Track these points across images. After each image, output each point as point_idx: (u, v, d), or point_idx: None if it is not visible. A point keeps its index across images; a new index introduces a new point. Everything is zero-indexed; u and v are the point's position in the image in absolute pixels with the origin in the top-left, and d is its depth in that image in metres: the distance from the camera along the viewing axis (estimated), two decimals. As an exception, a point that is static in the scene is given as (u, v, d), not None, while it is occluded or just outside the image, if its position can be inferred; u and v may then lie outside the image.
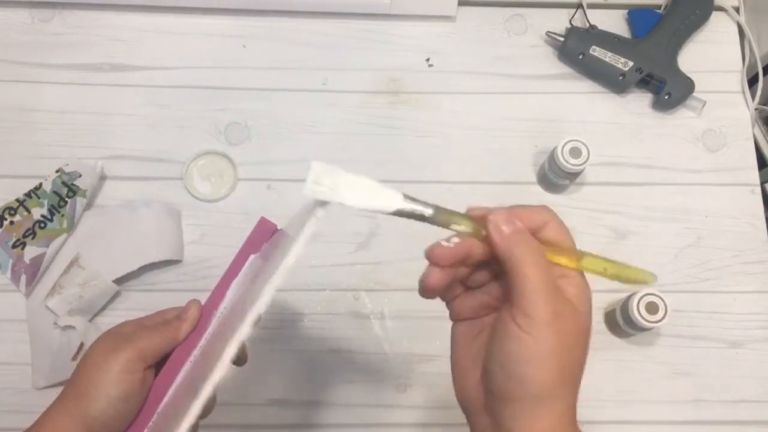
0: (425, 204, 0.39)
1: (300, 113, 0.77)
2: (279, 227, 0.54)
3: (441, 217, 0.39)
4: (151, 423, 0.49)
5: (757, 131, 0.81)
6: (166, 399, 0.50)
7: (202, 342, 0.51)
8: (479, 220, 0.38)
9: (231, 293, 0.52)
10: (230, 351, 0.38)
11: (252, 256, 0.53)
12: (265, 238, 0.54)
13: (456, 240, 0.38)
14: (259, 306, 0.38)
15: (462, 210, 0.39)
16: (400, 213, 0.38)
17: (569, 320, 0.35)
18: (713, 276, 0.73)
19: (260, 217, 0.55)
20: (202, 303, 0.53)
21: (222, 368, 0.38)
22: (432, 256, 0.39)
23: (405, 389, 0.68)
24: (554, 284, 0.35)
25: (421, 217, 0.38)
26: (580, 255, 0.37)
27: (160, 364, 0.51)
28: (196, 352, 0.51)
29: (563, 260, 0.37)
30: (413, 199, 0.38)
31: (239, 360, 0.53)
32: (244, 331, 0.38)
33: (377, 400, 0.68)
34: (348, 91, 0.78)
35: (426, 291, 0.40)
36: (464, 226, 0.38)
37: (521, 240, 0.36)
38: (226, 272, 0.53)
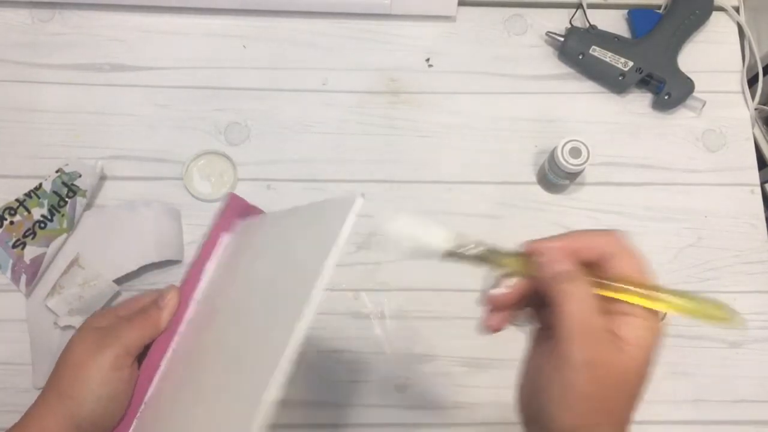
0: (476, 243, 0.39)
1: (300, 113, 0.77)
2: (252, 204, 0.53)
3: (492, 259, 0.39)
4: (138, 413, 0.49)
5: (757, 131, 0.81)
6: (151, 390, 0.49)
7: (182, 328, 0.50)
8: (530, 256, 0.37)
9: (207, 276, 0.52)
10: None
11: (225, 236, 0.52)
12: (237, 215, 0.53)
13: (511, 283, 0.38)
14: (311, 310, 0.39)
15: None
16: (451, 255, 0.38)
17: (608, 367, 0.34)
18: (713, 276, 0.73)
19: (229, 193, 0.54)
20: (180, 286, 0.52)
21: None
22: (491, 303, 0.39)
23: (405, 389, 0.68)
24: (595, 328, 0.34)
25: (472, 258, 0.38)
26: (646, 292, 0.35)
27: (141, 354, 0.50)
28: (176, 338, 0.50)
29: (628, 297, 0.35)
30: (462, 243, 0.38)
31: None
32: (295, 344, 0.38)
33: (377, 400, 0.68)
34: (348, 91, 0.78)
35: (490, 332, 0.40)
36: (514, 267, 0.38)
37: (565, 278, 0.35)
38: (199, 254, 0.52)
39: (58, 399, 0.47)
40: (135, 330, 0.49)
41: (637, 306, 0.35)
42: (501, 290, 0.39)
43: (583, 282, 0.35)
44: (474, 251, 0.38)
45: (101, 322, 0.50)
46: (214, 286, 0.51)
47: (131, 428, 0.49)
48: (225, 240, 0.52)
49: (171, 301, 0.50)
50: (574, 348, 0.34)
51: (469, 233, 0.38)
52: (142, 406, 0.49)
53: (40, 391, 0.50)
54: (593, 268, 0.37)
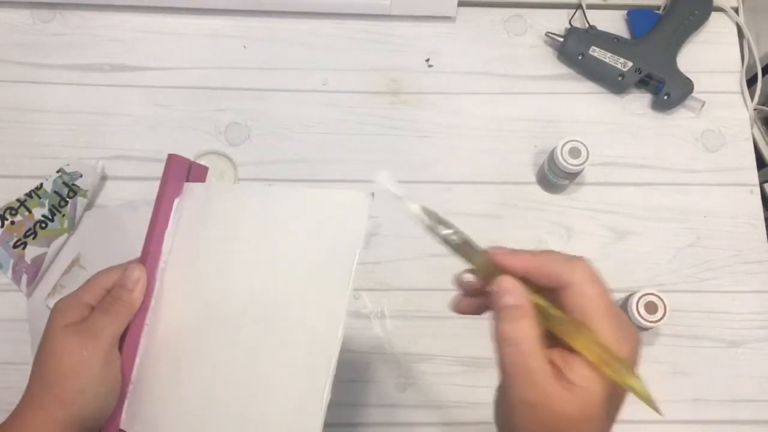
0: (455, 231, 0.39)
1: (300, 113, 0.77)
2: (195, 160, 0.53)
3: (463, 251, 0.39)
4: (128, 395, 0.50)
5: (756, 131, 0.81)
6: (134, 371, 0.50)
7: (153, 303, 0.50)
8: (496, 265, 0.37)
9: (167, 245, 0.51)
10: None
11: (177, 201, 0.52)
12: (182, 176, 0.52)
13: (472, 279, 0.39)
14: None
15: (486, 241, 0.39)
16: (429, 231, 0.39)
17: (550, 408, 0.33)
18: (712, 276, 0.73)
19: (168, 155, 0.52)
20: (140, 261, 0.51)
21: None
22: (460, 287, 0.40)
23: (405, 389, 0.68)
24: (534, 369, 0.34)
25: (445, 244, 0.39)
26: (579, 336, 0.34)
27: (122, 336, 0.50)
28: (150, 314, 0.50)
29: (572, 339, 0.34)
30: (441, 220, 0.39)
31: None
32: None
33: (377, 400, 0.68)
34: (348, 91, 0.78)
35: (458, 313, 0.41)
36: (480, 267, 0.38)
37: (508, 318, 0.35)
38: (152, 222, 0.51)
39: (59, 406, 0.46)
40: (114, 320, 0.48)
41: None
42: (469, 277, 0.39)
43: (526, 321, 0.35)
44: (447, 236, 0.38)
45: (73, 316, 0.48)
46: (179, 255, 0.51)
47: (123, 410, 0.49)
48: (176, 205, 0.52)
49: (140, 280, 0.49)
50: (515, 388, 0.34)
51: (442, 216, 0.39)
52: (131, 387, 0.49)
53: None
54: (553, 294, 0.36)
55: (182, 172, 0.53)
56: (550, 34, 0.79)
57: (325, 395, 0.42)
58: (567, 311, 0.35)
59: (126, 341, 0.49)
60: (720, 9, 0.82)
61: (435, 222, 0.38)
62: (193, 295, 0.49)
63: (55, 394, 0.46)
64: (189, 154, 0.73)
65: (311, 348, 0.43)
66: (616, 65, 0.77)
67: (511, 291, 0.36)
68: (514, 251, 0.37)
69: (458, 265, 0.74)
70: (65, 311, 0.48)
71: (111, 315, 0.48)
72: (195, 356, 0.48)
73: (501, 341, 0.35)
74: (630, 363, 0.35)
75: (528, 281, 0.37)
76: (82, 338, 0.46)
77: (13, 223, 0.69)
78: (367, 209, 0.43)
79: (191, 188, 0.53)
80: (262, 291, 0.47)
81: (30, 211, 0.69)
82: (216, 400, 0.46)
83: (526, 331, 0.34)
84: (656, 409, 0.34)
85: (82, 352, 0.46)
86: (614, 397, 0.35)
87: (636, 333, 0.36)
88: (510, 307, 0.35)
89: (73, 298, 0.49)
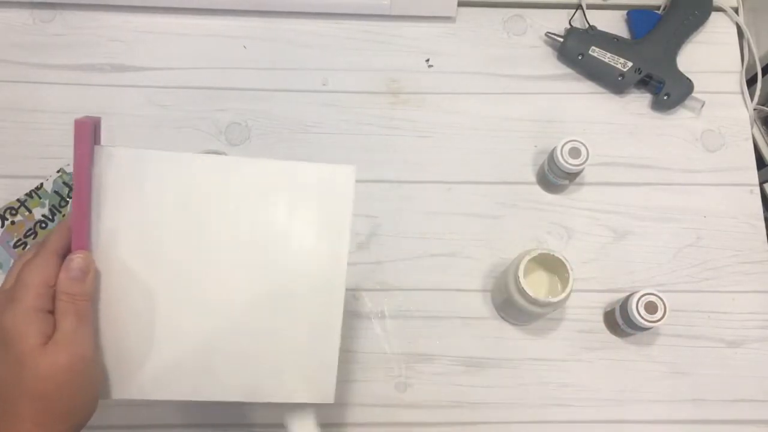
0: None
1: (300, 113, 0.77)
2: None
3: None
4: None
5: (756, 131, 0.81)
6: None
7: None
8: None
9: (94, 219, 0.47)
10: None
11: (94, 170, 0.47)
12: (91, 140, 0.46)
13: None
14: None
15: None
16: None
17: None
18: (712, 276, 0.73)
19: (75, 121, 0.46)
20: (75, 245, 0.47)
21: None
22: None
23: (405, 389, 0.69)
24: None
25: None
26: None
27: None
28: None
29: None
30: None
31: None
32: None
33: (377, 400, 0.68)
34: (348, 91, 0.78)
35: None
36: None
37: None
38: (77, 198, 0.46)
39: (62, 423, 0.44)
40: (85, 321, 0.45)
41: None
42: None
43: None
44: None
45: (42, 330, 0.44)
46: (123, 228, 0.48)
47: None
48: (95, 173, 0.47)
49: (90, 268, 0.46)
50: None
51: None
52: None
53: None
54: None
55: (89, 136, 0.46)
56: (550, 34, 0.79)
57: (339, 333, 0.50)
58: None
59: None
60: (720, 9, 0.82)
61: None
62: (159, 261, 0.48)
63: (55, 413, 0.44)
64: (189, 154, 0.74)
65: (317, 294, 0.49)
66: (616, 65, 0.77)
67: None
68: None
69: (458, 265, 0.74)
70: (27, 329, 0.43)
71: (79, 317, 0.45)
72: (179, 310, 0.49)
73: None
74: None
75: None
76: (70, 354, 0.44)
77: (13, 223, 0.69)
78: (354, 179, 0.49)
79: (109, 153, 0.47)
80: (250, 249, 0.49)
81: (30, 211, 0.69)
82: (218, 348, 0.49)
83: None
84: None
85: (76, 368, 0.44)
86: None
87: None
88: None
89: (23, 308, 0.43)
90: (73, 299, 0.45)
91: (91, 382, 0.46)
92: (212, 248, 0.48)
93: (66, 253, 0.46)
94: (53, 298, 0.45)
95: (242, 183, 0.48)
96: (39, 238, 0.69)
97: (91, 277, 0.46)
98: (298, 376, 0.51)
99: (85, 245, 0.47)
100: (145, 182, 0.47)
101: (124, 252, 0.48)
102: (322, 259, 0.49)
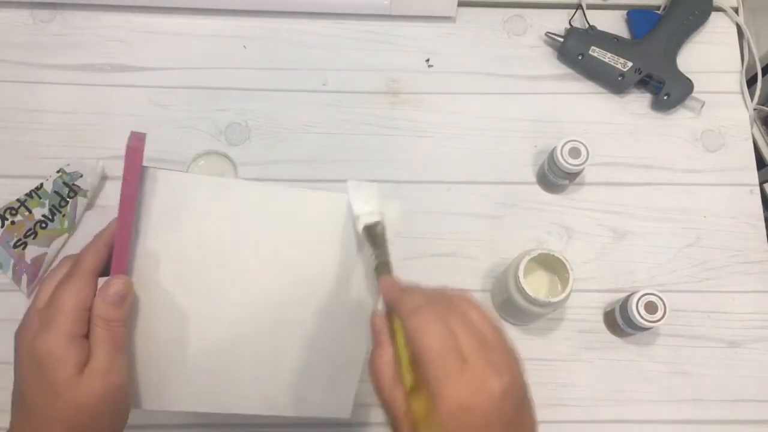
0: (378, 253, 0.48)
1: (300, 113, 0.77)
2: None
3: (378, 271, 0.47)
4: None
5: (756, 131, 0.81)
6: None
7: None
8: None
9: (136, 240, 0.46)
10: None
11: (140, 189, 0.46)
12: (141, 166, 0.45)
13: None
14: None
15: None
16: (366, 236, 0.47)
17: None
18: (712, 276, 0.73)
19: (133, 133, 0.46)
20: (115, 268, 0.46)
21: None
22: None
23: (405, 389, 0.68)
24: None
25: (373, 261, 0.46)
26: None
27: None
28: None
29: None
30: (378, 243, 0.47)
31: None
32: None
33: (377, 400, 0.68)
34: (348, 91, 0.78)
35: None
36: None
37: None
38: (121, 219, 0.44)
39: None
40: (120, 347, 0.44)
41: None
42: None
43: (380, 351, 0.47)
44: (371, 256, 0.47)
45: (78, 357, 0.42)
46: (161, 251, 0.47)
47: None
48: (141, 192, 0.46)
49: (128, 294, 0.44)
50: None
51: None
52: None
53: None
54: None
55: (140, 162, 0.45)
56: (550, 35, 0.79)
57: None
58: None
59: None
60: (720, 9, 0.82)
61: (371, 243, 0.46)
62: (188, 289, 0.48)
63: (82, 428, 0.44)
64: (189, 154, 0.74)
65: (346, 316, 0.51)
66: (616, 65, 0.77)
67: (377, 330, 0.45)
68: (403, 287, 0.46)
69: (458, 265, 0.73)
70: (64, 356, 0.42)
71: (114, 343, 0.44)
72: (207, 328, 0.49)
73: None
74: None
75: None
76: (105, 384, 0.43)
77: (13, 223, 0.69)
78: (345, 209, 0.48)
79: (154, 176, 0.46)
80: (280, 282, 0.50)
81: (30, 211, 0.69)
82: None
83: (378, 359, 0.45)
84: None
85: (111, 398, 0.44)
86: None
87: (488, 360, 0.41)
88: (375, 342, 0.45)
89: (60, 335, 0.42)
90: (108, 325, 0.44)
91: (125, 409, 0.46)
92: (242, 269, 0.49)
93: (100, 271, 0.45)
94: (88, 321, 0.44)
95: (278, 211, 0.49)
96: (39, 238, 0.68)
97: (128, 302, 0.45)
98: (319, 392, 0.52)
99: (125, 269, 0.45)
100: (186, 206, 0.47)
101: (161, 274, 0.47)
102: (353, 282, 0.50)
